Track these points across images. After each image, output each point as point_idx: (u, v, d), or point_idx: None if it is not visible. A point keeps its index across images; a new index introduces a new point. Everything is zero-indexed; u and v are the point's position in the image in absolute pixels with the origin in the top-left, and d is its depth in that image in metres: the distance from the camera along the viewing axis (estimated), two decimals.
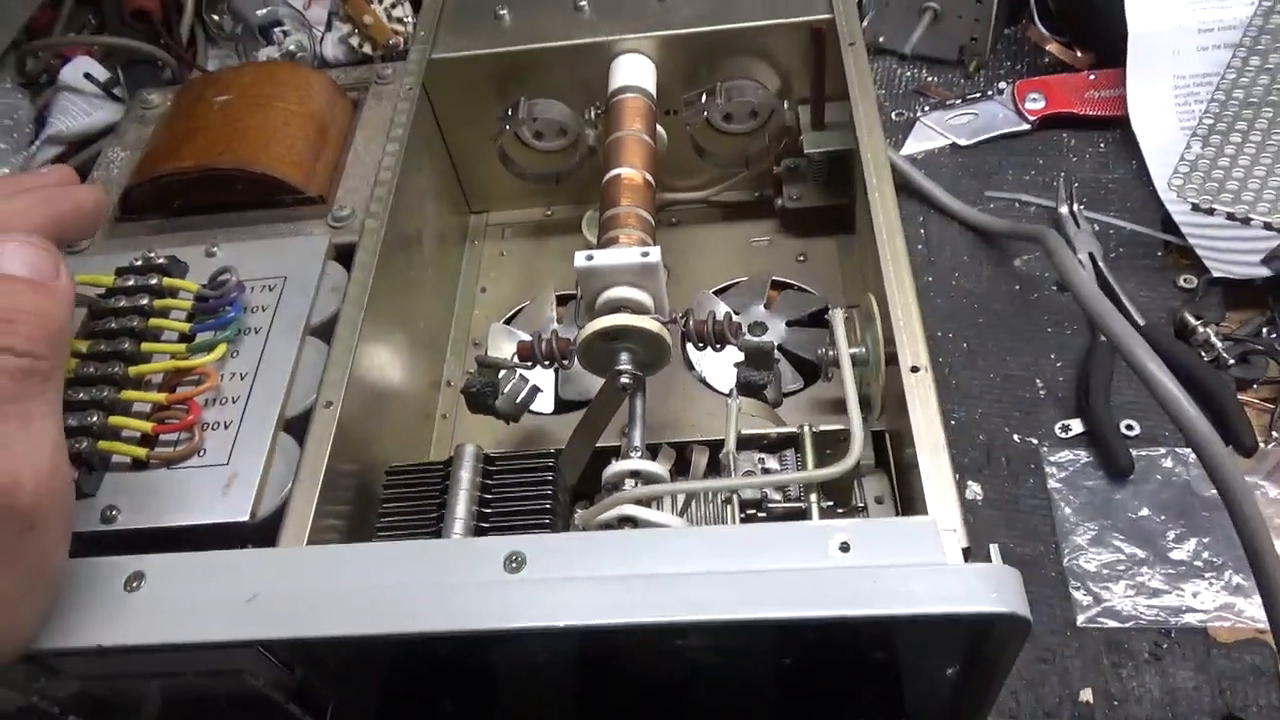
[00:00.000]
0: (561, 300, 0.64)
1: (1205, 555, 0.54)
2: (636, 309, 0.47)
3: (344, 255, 0.52)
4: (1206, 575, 0.53)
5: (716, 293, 0.63)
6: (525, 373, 0.51)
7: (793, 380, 0.57)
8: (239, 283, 0.48)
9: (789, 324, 0.60)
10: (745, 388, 0.45)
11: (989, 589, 0.31)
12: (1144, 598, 0.53)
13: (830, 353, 0.46)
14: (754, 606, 0.32)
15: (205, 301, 0.48)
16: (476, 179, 0.69)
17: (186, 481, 0.42)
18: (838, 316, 0.45)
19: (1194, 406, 0.46)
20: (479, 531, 0.45)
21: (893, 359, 0.43)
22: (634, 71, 0.58)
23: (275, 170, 0.54)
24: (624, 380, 0.45)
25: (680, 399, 0.57)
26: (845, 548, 0.33)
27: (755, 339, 0.45)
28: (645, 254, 0.46)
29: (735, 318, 0.59)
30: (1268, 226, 0.59)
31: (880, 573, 0.32)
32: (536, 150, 0.65)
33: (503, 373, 0.49)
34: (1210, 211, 0.61)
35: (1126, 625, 0.52)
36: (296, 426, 0.45)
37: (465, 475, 0.46)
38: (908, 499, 0.46)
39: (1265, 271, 0.64)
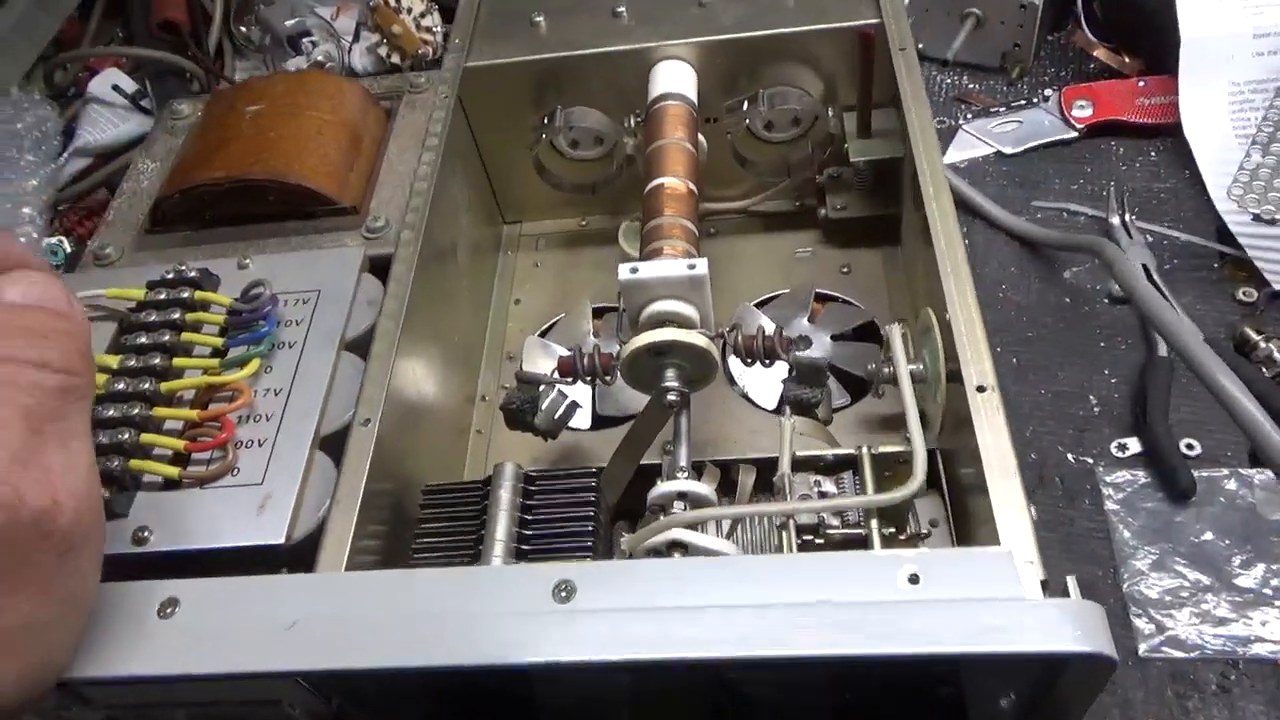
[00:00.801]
0: (598, 313, 0.63)
1: (1274, 582, 0.51)
2: (683, 323, 0.45)
3: (378, 267, 0.51)
4: (1276, 603, 0.51)
5: (758, 305, 0.61)
6: (564, 388, 0.49)
7: (839, 395, 0.55)
8: (272, 296, 0.47)
9: (834, 338, 0.58)
10: (797, 405, 0.44)
11: (1073, 627, 0.29)
12: (1210, 626, 0.50)
13: (886, 369, 0.44)
14: (821, 643, 0.30)
15: (238, 315, 0.47)
16: (510, 189, 0.67)
17: (220, 502, 0.41)
18: (895, 332, 0.43)
19: (1272, 424, 0.44)
20: (519, 554, 0.43)
21: (954, 376, 0.41)
22: (675, 78, 0.57)
23: (308, 180, 0.53)
24: (671, 398, 0.43)
25: (722, 415, 0.55)
26: (915, 579, 0.31)
27: (807, 355, 0.43)
28: (692, 266, 0.44)
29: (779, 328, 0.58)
30: None
31: (954, 607, 0.30)
32: (572, 159, 0.63)
33: (541, 388, 0.48)
34: (1273, 222, 0.58)
35: (1192, 655, 0.50)
36: (332, 444, 0.43)
37: (505, 495, 0.44)
38: (964, 523, 0.44)
39: None
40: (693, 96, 0.57)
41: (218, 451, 0.42)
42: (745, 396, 0.56)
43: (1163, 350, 0.60)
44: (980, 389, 0.38)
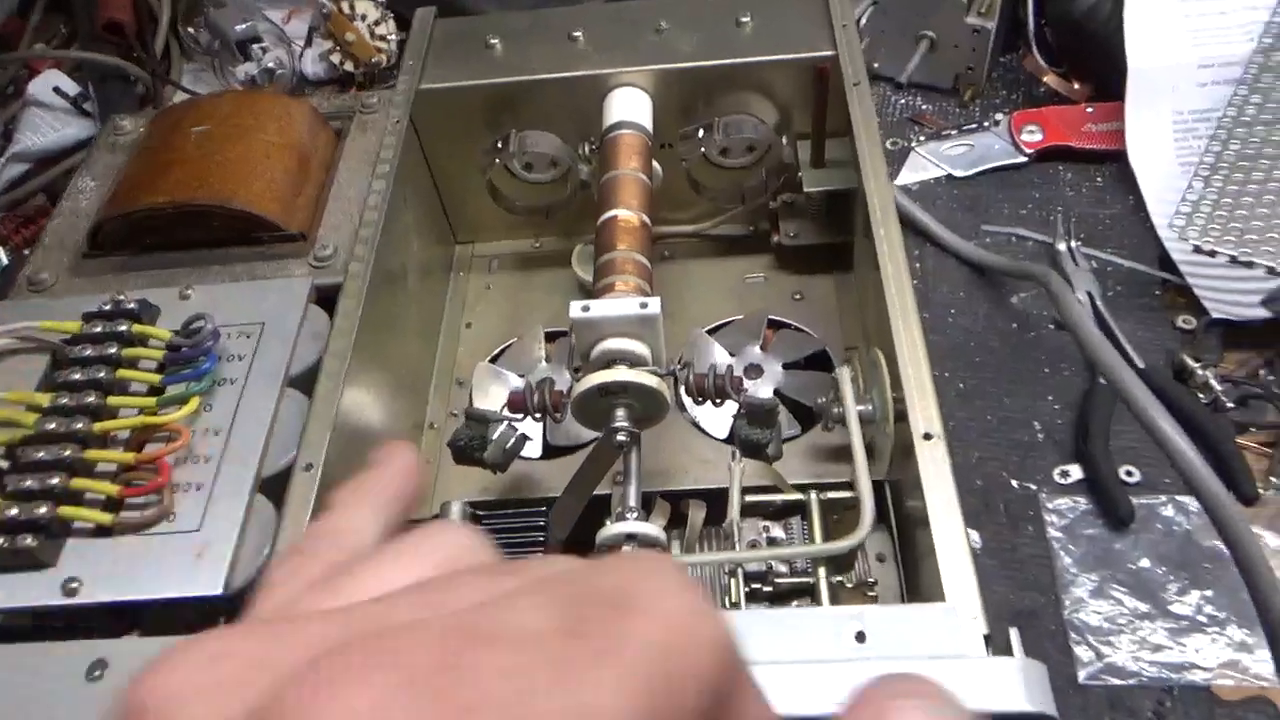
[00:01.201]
0: (550, 337, 0.62)
1: (1208, 609, 0.53)
2: (634, 361, 0.45)
3: (326, 297, 0.50)
4: (1209, 630, 0.52)
5: (710, 331, 0.61)
6: (514, 422, 0.49)
7: (789, 426, 0.55)
8: (214, 330, 0.46)
9: (786, 366, 0.58)
10: (746, 446, 0.44)
11: (1018, 686, 0.30)
12: (1147, 653, 0.52)
13: (836, 409, 0.44)
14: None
15: (178, 351, 0.45)
16: (463, 210, 0.67)
17: (155, 550, 0.40)
18: (844, 376, 0.43)
19: (1200, 457, 0.45)
20: None
21: (902, 416, 0.41)
22: (630, 106, 0.56)
23: (255, 206, 0.52)
24: (620, 438, 0.43)
25: (673, 444, 0.55)
26: (861, 637, 0.31)
27: (758, 398, 0.43)
28: (644, 305, 0.44)
29: (731, 360, 0.58)
30: (1271, 271, 0.58)
31: (900, 666, 0.30)
32: (527, 182, 0.63)
33: (490, 424, 0.47)
34: (1213, 254, 0.60)
35: (1129, 683, 0.51)
36: (274, 487, 0.43)
37: None
38: (910, 558, 0.44)
39: (1264, 313, 0.63)
40: (648, 124, 0.57)
41: (153, 496, 0.41)
42: (696, 425, 0.56)
43: (1104, 379, 0.62)
44: (927, 436, 0.38)
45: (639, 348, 0.45)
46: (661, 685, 0.14)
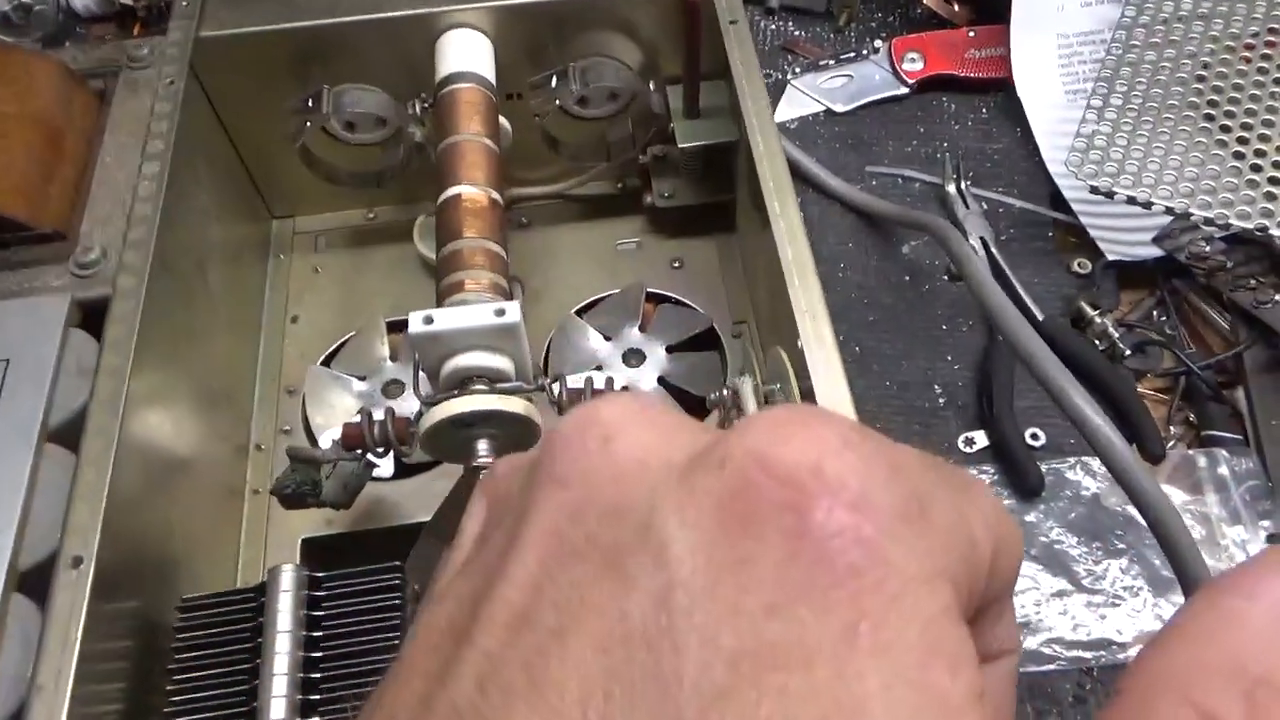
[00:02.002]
0: (394, 327, 0.53)
1: (1123, 580, 0.50)
2: (493, 378, 0.37)
3: (94, 316, 0.40)
4: (1125, 602, 0.50)
5: (580, 312, 0.53)
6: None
7: None
8: None
9: (669, 350, 0.51)
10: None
11: None
12: (1065, 634, 0.49)
13: (734, 414, 0.37)
14: None
15: None
16: (277, 179, 0.56)
17: None
18: (746, 387, 0.37)
19: (1108, 424, 0.42)
20: (308, 685, 0.35)
21: None
22: (467, 53, 0.47)
23: None
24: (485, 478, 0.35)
25: None
26: None
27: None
28: (501, 312, 0.36)
29: (607, 345, 0.51)
30: (1170, 212, 0.55)
31: None
32: (349, 145, 0.52)
33: (323, 466, 0.39)
34: (1111, 195, 0.56)
35: (1047, 669, 0.48)
36: (38, 583, 0.33)
37: (284, 612, 0.36)
38: None
39: (1157, 251, 0.60)
40: (490, 74, 0.47)
41: None
42: None
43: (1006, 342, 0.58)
44: None
45: (499, 361, 0.37)
46: (998, 542, 0.15)
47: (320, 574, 0.37)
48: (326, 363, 0.52)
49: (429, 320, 0.36)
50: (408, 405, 0.50)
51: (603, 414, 0.15)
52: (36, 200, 0.42)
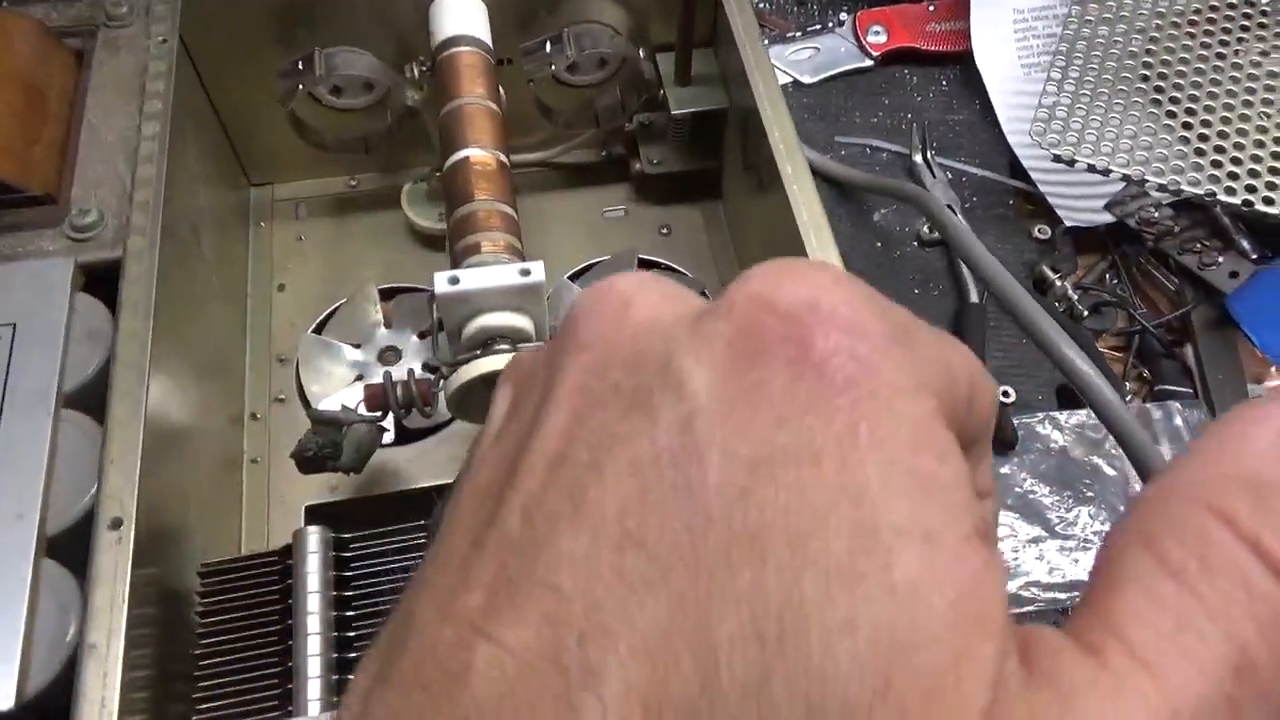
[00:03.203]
0: (385, 295, 0.53)
1: (1094, 526, 0.53)
2: (516, 338, 0.38)
3: (96, 280, 0.39)
4: (1093, 546, 0.53)
5: (574, 277, 0.54)
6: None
7: None
8: None
9: None
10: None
11: None
12: (1041, 578, 0.52)
13: None
14: None
15: None
16: (254, 144, 0.55)
17: None
18: None
19: (1096, 371, 0.44)
20: (342, 645, 0.35)
21: None
22: (464, 16, 0.47)
23: None
24: None
25: None
26: None
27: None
28: (526, 271, 0.37)
29: None
30: (1127, 179, 0.58)
31: None
32: (336, 110, 0.52)
33: (345, 428, 0.39)
34: (1071, 163, 0.59)
35: (1025, 610, 0.51)
36: (66, 546, 0.32)
37: (313, 575, 0.36)
38: None
39: (1108, 218, 0.64)
40: (487, 38, 0.47)
41: None
42: None
43: (974, 296, 0.60)
44: None
45: (521, 321, 0.38)
46: (973, 378, 0.17)
47: (346, 536, 0.37)
48: (318, 331, 0.51)
49: (454, 280, 0.36)
50: (403, 372, 0.50)
51: (618, 285, 0.17)
52: (23, 162, 0.41)
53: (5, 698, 0.29)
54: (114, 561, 0.30)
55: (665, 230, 0.56)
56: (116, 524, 0.31)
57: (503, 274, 0.36)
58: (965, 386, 0.16)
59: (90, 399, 0.35)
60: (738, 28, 0.45)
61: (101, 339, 0.36)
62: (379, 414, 0.39)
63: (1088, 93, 0.61)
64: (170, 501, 0.37)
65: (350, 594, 0.36)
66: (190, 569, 0.37)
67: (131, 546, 0.30)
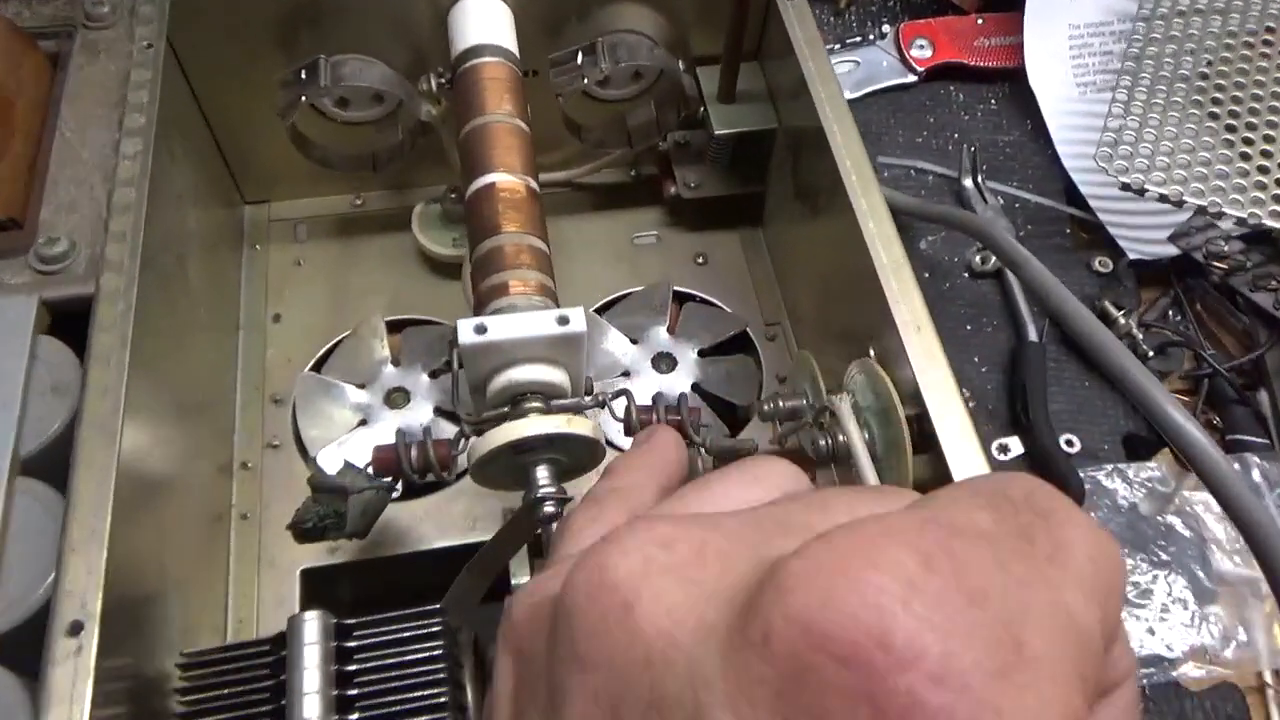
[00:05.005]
0: (393, 327, 0.48)
1: (1169, 593, 0.48)
2: (549, 394, 0.33)
3: (62, 318, 0.33)
4: (1170, 616, 0.48)
5: (601, 310, 0.49)
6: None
7: (715, 431, 0.45)
8: None
9: (701, 354, 0.47)
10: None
11: None
12: None
13: (824, 442, 0.34)
14: None
15: None
16: (250, 158, 0.50)
17: None
18: (844, 407, 0.33)
19: (1200, 429, 0.39)
20: None
21: (919, 446, 0.32)
22: (489, 23, 0.42)
23: None
24: (549, 509, 0.31)
25: None
26: None
27: (731, 442, 0.32)
28: (564, 320, 0.32)
29: (634, 346, 0.46)
30: (1201, 210, 0.54)
31: None
32: (340, 123, 0.47)
33: (351, 497, 0.33)
34: (1142, 192, 0.54)
35: None
36: (16, 647, 0.27)
37: (310, 666, 0.30)
38: None
39: (1173, 250, 0.59)
40: (514, 48, 0.42)
41: None
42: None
43: (1032, 335, 0.56)
44: None
45: (556, 376, 0.33)
46: (1103, 597, 0.14)
47: (349, 621, 0.32)
48: (317, 368, 0.46)
49: (481, 330, 0.31)
50: (414, 416, 0.45)
51: (618, 574, 0.14)
52: None
53: None
54: (71, 675, 0.25)
55: (701, 259, 0.51)
56: (76, 629, 0.26)
57: (537, 322, 0.31)
58: (1095, 618, 0.13)
59: (50, 464, 0.30)
60: (797, 38, 0.40)
61: (67, 392, 0.31)
62: (390, 478, 0.33)
63: (1156, 116, 0.56)
64: (146, 573, 0.32)
65: (354, 694, 0.31)
66: (167, 650, 0.32)
67: (94, 657, 0.25)
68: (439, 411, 0.44)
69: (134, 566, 0.30)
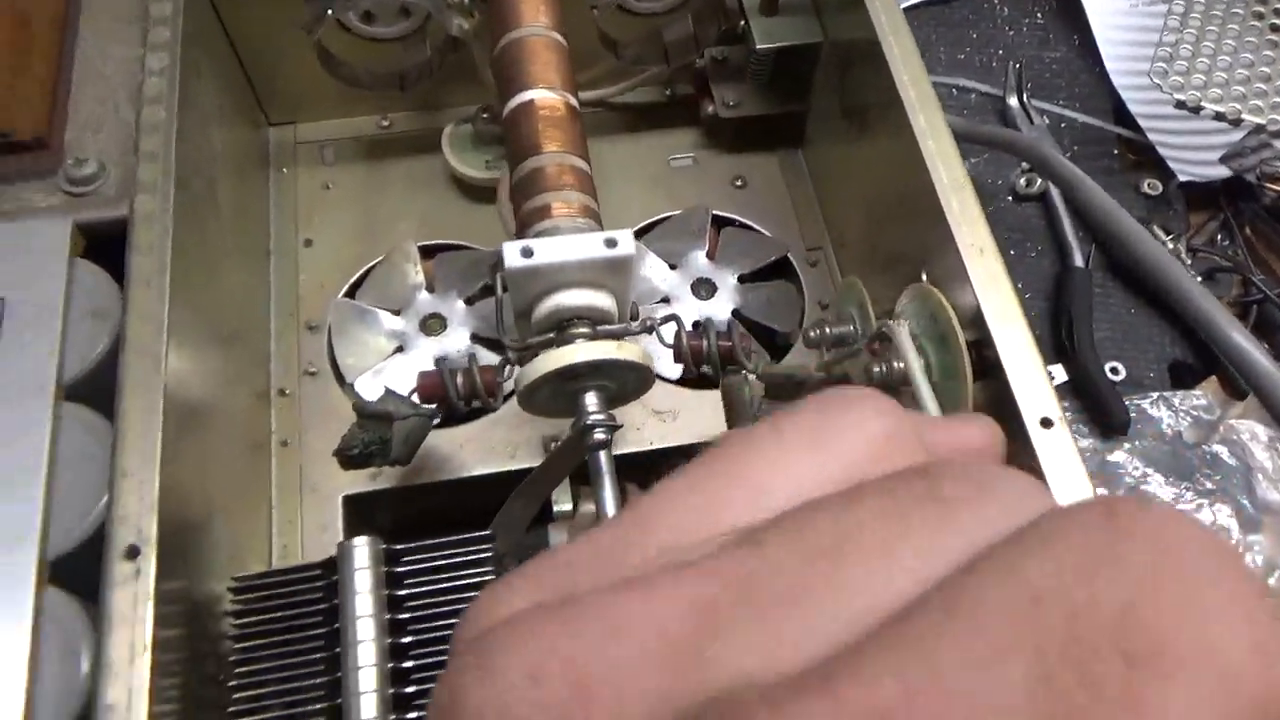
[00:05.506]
0: (425, 252, 0.47)
1: (1215, 521, 0.48)
2: (596, 319, 0.32)
3: (96, 242, 0.33)
4: None
5: (637, 235, 0.47)
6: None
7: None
8: None
9: (741, 280, 0.46)
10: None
11: None
12: None
13: (878, 368, 0.33)
14: None
15: None
16: (273, 78, 0.48)
17: None
18: (902, 333, 0.32)
19: (1270, 359, 0.38)
20: (399, 675, 0.30)
21: (980, 372, 0.31)
22: None
23: None
24: (600, 436, 0.30)
25: None
26: None
27: (784, 368, 0.31)
28: (612, 243, 0.30)
29: (673, 271, 0.45)
30: (1259, 129, 0.51)
31: None
32: (366, 39, 0.45)
33: (396, 423, 0.33)
34: (1198, 110, 0.52)
35: None
36: (71, 570, 0.27)
37: (363, 590, 0.30)
38: None
39: (1224, 172, 0.57)
40: None
41: None
42: None
43: (1078, 260, 0.54)
44: (1046, 423, 0.28)
45: (603, 300, 0.32)
46: None
47: (398, 547, 0.32)
48: (350, 294, 0.45)
49: (528, 253, 0.30)
50: (450, 343, 0.44)
51: (466, 712, 0.10)
52: (8, 100, 0.34)
53: None
54: (131, 598, 0.25)
55: (739, 182, 0.49)
56: (133, 553, 0.25)
57: (585, 245, 0.30)
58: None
59: (93, 389, 0.30)
60: None
61: (107, 317, 0.31)
62: (435, 405, 0.33)
63: (1215, 29, 0.54)
64: (193, 500, 0.31)
65: (405, 617, 0.31)
66: (215, 574, 0.32)
67: (153, 580, 0.25)
68: (476, 338, 0.44)
69: (182, 493, 0.30)
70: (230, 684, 0.30)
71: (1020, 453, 0.28)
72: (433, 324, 0.44)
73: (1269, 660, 0.09)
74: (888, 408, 0.13)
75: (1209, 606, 0.09)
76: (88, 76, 0.36)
